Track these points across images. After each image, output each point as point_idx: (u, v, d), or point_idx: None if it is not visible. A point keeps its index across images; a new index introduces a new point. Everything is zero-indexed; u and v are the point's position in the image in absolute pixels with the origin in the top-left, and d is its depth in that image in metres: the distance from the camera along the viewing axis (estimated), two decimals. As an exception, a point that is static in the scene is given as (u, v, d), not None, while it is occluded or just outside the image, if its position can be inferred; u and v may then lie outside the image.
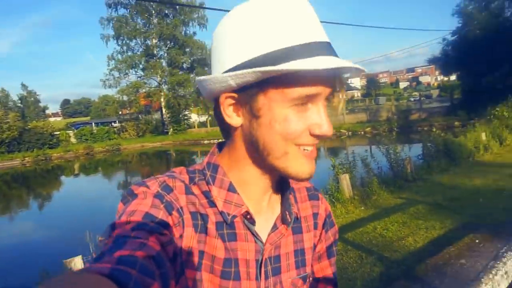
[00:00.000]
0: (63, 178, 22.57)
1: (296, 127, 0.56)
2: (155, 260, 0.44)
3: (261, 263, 0.64)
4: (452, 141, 9.89)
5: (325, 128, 0.57)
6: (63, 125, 47.03)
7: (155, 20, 37.42)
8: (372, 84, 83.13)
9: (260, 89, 0.55)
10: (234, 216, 0.62)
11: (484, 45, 20.41)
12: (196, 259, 0.58)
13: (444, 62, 24.48)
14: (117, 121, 44.72)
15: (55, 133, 34.31)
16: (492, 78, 19.98)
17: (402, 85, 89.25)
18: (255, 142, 0.59)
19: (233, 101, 0.59)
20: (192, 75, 38.16)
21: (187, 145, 31.42)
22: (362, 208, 6.33)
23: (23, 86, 76.11)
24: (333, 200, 6.58)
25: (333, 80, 0.57)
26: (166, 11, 37.84)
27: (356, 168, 7.92)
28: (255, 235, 0.64)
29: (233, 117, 0.60)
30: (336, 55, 0.56)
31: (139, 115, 42.50)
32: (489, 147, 10.29)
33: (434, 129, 11.29)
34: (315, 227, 0.75)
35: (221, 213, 0.62)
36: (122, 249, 0.44)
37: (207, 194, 0.62)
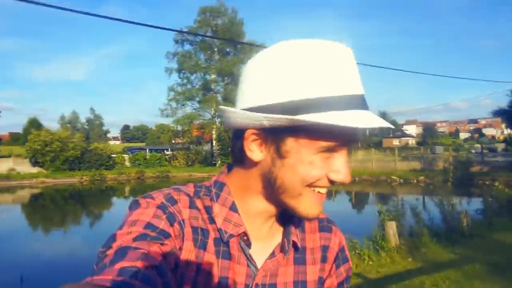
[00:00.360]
0: (114, 199, 23.69)
1: (319, 172, 0.57)
2: (157, 269, 0.44)
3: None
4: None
5: (344, 175, 0.58)
6: (121, 149, 49.94)
7: (216, 57, 39.61)
8: (429, 133, 79.97)
9: (291, 134, 0.56)
10: (231, 235, 0.62)
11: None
12: (192, 274, 0.58)
13: (510, 115, 23.21)
14: (169, 149, 46.66)
15: (112, 155, 36.39)
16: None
17: (463, 135, 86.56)
18: (273, 179, 0.59)
19: (259, 138, 0.59)
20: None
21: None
22: (410, 259, 5.90)
23: (91, 110, 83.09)
24: (378, 247, 6.23)
25: (361, 133, 0.58)
26: (228, 49, 40.04)
27: (404, 217, 7.49)
28: (248, 258, 0.63)
29: (256, 152, 0.59)
30: (367, 109, 0.57)
31: (191, 145, 44.07)
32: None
33: (496, 184, 10.57)
34: (324, 260, 0.72)
35: (219, 230, 0.62)
36: (123, 260, 0.44)
37: (208, 210, 0.63)
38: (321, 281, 0.71)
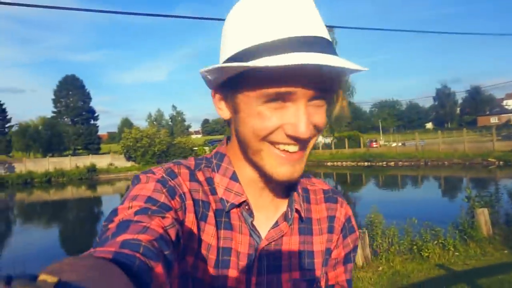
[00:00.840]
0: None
1: (268, 124, 0.55)
2: (158, 242, 0.44)
3: (255, 258, 0.63)
4: None
5: (300, 129, 0.54)
6: (202, 142, 52.82)
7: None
8: None
9: (238, 86, 0.56)
10: (232, 205, 0.62)
11: None
12: (195, 246, 0.59)
13: None
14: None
15: (194, 148, 38.85)
16: None
17: None
18: (238, 137, 0.61)
19: (222, 96, 0.62)
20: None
21: (311, 166, 31.48)
22: (505, 251, 5.15)
23: (173, 107, 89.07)
24: (465, 237, 5.59)
25: (315, 78, 0.52)
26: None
27: (500, 203, 6.59)
28: (251, 228, 0.63)
29: (224, 111, 0.62)
30: (325, 52, 0.51)
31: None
32: None
33: None
34: (330, 231, 0.72)
35: (220, 200, 0.63)
36: (125, 233, 0.44)
37: (210, 181, 0.64)
38: (328, 252, 0.71)
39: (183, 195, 0.59)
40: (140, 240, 0.42)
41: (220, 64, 0.53)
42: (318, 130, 0.59)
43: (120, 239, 0.42)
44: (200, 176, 0.64)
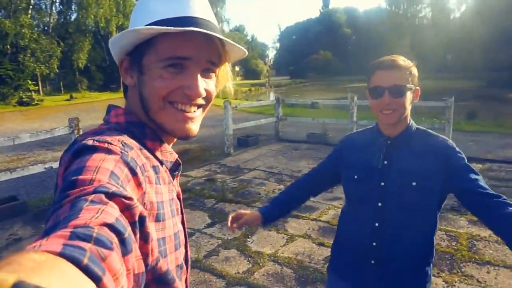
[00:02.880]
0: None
1: (168, 84, 0.65)
2: (113, 227, 0.42)
3: (180, 200, 0.74)
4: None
5: (196, 88, 0.65)
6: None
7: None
8: None
9: (144, 52, 0.66)
10: (172, 162, 0.71)
11: None
12: (156, 211, 0.61)
13: None
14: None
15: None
16: None
17: None
18: (141, 97, 0.68)
19: (128, 64, 0.69)
20: None
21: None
22: None
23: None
24: None
25: (206, 51, 0.65)
26: None
27: None
28: (173, 177, 0.73)
29: (128, 78, 0.70)
30: (212, 30, 0.64)
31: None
32: None
33: None
34: None
35: (161, 161, 0.69)
36: (77, 217, 0.41)
37: (145, 146, 0.67)
38: None
39: (142, 167, 0.59)
40: (93, 227, 0.40)
41: (139, 27, 0.62)
42: (209, 97, 0.70)
43: (71, 226, 0.40)
44: (140, 143, 0.66)
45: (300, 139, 9.22)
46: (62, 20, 28.91)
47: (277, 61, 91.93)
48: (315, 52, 68.98)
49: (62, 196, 0.47)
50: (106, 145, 0.56)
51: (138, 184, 0.56)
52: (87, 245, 0.37)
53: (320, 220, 4.19)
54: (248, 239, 3.77)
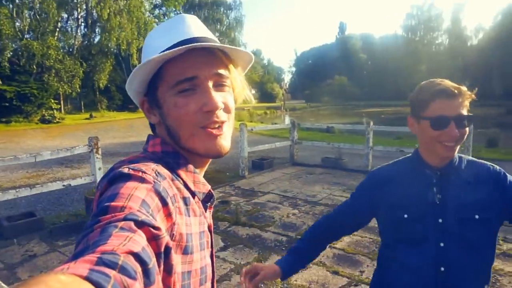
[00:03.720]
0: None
1: (187, 110, 0.65)
2: (139, 256, 0.42)
3: (210, 232, 0.73)
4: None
5: (211, 104, 0.64)
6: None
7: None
8: None
9: (155, 87, 0.68)
10: (204, 194, 0.70)
11: None
12: (185, 243, 0.60)
13: None
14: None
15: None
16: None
17: None
18: (167, 130, 0.69)
19: (148, 102, 0.71)
20: None
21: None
22: None
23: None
24: None
25: (211, 65, 0.66)
26: None
27: None
28: (205, 209, 0.72)
29: (152, 117, 0.71)
30: (209, 42, 0.65)
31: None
32: None
33: None
34: None
35: (193, 193, 0.68)
36: (106, 243, 0.42)
37: (178, 177, 0.67)
38: None
39: (173, 198, 0.59)
40: (119, 255, 0.41)
41: (138, 65, 0.64)
42: (228, 110, 0.69)
43: (99, 251, 0.41)
44: (174, 174, 0.66)
45: (315, 163, 9.17)
46: (86, 42, 30.05)
47: (293, 85, 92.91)
48: (331, 77, 69.50)
49: (94, 221, 0.48)
50: (140, 173, 0.57)
51: (168, 214, 0.56)
52: (112, 272, 0.38)
53: (335, 248, 4.09)
54: (261, 265, 3.70)
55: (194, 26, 0.69)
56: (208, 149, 0.68)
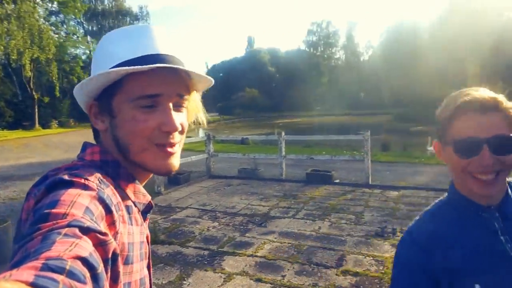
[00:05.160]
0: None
1: (145, 125, 0.64)
2: (86, 261, 0.41)
3: (148, 243, 0.72)
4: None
5: (172, 122, 0.64)
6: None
7: None
8: None
9: (111, 95, 0.65)
10: (144, 205, 0.69)
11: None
12: (126, 253, 0.59)
13: None
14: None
15: None
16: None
17: None
18: (116, 141, 0.66)
19: (97, 109, 0.68)
20: None
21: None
22: None
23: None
24: None
25: (175, 85, 0.66)
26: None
27: None
28: (143, 219, 0.71)
29: (99, 123, 0.69)
30: (175, 63, 0.65)
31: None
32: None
33: None
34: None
35: (134, 203, 0.67)
36: (50, 249, 0.40)
37: (119, 187, 0.65)
38: None
39: (118, 205, 0.58)
40: (66, 260, 0.38)
41: (109, 70, 0.61)
42: (183, 130, 0.70)
43: (44, 258, 0.38)
44: (115, 183, 0.65)
45: (232, 175, 9.28)
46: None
47: (205, 98, 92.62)
48: (242, 89, 71.25)
49: (32, 229, 0.44)
50: (82, 180, 0.55)
51: (112, 223, 0.54)
52: (59, 277, 0.36)
53: (256, 256, 4.19)
54: (184, 282, 3.62)
55: (160, 40, 0.68)
56: (159, 166, 0.67)
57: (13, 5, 24.97)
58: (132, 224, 0.63)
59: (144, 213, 0.71)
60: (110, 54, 0.67)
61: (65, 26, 36.77)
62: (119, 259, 0.52)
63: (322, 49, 79.02)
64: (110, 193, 0.58)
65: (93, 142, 0.72)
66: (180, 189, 7.85)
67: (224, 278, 3.68)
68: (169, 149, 0.67)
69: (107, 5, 46.86)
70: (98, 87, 0.65)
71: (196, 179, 8.78)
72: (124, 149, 0.66)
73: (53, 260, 0.38)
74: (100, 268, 0.43)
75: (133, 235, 0.62)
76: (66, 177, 0.55)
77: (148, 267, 0.72)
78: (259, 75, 75.53)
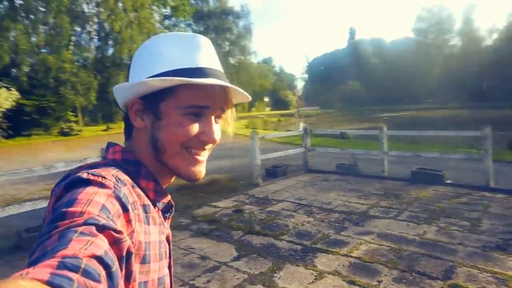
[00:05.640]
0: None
1: (188, 131, 0.67)
2: (102, 260, 0.41)
3: (169, 242, 0.73)
4: None
5: (211, 136, 0.69)
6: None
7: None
8: None
9: (160, 99, 0.67)
10: (164, 204, 0.70)
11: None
12: (143, 252, 0.59)
13: None
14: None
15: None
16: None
17: None
18: (155, 141, 0.68)
19: (141, 106, 0.69)
20: None
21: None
22: None
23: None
24: None
25: (220, 99, 0.69)
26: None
27: None
28: (165, 219, 0.72)
29: (138, 121, 0.70)
30: (221, 79, 0.68)
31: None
32: None
33: None
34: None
35: (152, 202, 0.67)
36: (66, 248, 0.41)
37: (137, 186, 0.66)
38: None
39: (133, 204, 0.59)
40: (81, 258, 0.39)
41: (169, 78, 0.64)
42: (216, 142, 0.72)
43: (60, 256, 0.39)
44: (134, 181, 0.65)
45: (329, 169, 9.04)
46: (100, 55, 30.74)
47: (306, 92, 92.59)
48: (343, 82, 69.18)
49: (50, 227, 0.46)
50: (100, 179, 0.56)
51: (128, 221, 0.55)
52: (75, 276, 0.37)
53: (351, 256, 3.98)
54: (275, 275, 3.62)
55: (210, 54, 0.72)
56: (189, 172, 0.70)
57: (135, 13, 28.39)
58: (149, 224, 0.64)
59: (165, 212, 0.72)
60: (164, 57, 0.68)
61: (177, 28, 40.41)
62: (134, 257, 0.53)
63: (433, 36, 71.70)
64: (126, 191, 0.59)
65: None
66: (277, 182, 7.95)
67: (315, 275, 3.58)
68: (200, 158, 0.70)
69: (212, 6, 49.95)
70: (152, 90, 0.67)
71: (293, 173, 8.79)
72: (161, 150, 0.68)
73: (69, 258, 0.39)
74: (115, 266, 0.44)
75: (150, 234, 0.63)
76: (84, 175, 0.56)
77: (169, 266, 0.72)
78: (361, 67, 72.37)
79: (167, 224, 0.74)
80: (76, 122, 26.06)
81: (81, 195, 0.51)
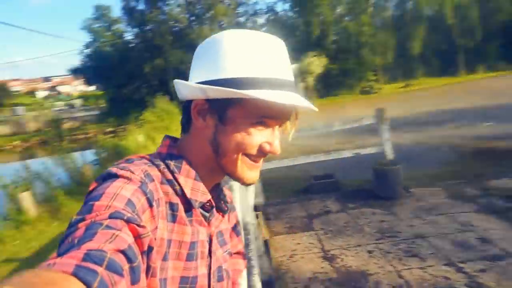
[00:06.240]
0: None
1: (253, 140, 0.66)
2: (125, 254, 0.43)
3: (210, 242, 0.72)
4: (119, 144, 11.59)
5: (274, 147, 0.68)
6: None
7: None
8: (3, 93, 52.53)
9: (232, 106, 0.64)
10: (201, 203, 0.68)
11: (116, 60, 28.33)
12: (164, 249, 0.60)
13: (85, 73, 32.15)
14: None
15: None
16: (129, 90, 28.30)
17: (41, 94, 69.50)
18: (216, 144, 0.67)
19: (205, 107, 0.66)
20: None
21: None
22: (56, 223, 6.09)
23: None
24: (19, 224, 6.17)
25: (289, 111, 0.67)
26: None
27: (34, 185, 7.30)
28: (206, 219, 0.71)
29: (201, 120, 0.67)
30: (295, 91, 0.66)
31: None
32: (147, 147, 11.04)
33: (90, 136, 11.45)
34: (237, 234, 0.89)
35: (188, 200, 0.67)
36: (92, 240, 0.42)
37: (173, 183, 0.66)
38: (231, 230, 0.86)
39: (158, 201, 0.60)
40: (106, 251, 0.41)
41: (248, 92, 0.60)
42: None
43: (85, 249, 0.40)
44: (168, 177, 0.66)
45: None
46: (399, 12, 30.00)
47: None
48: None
49: (78, 220, 0.48)
50: (128, 173, 0.58)
51: (153, 217, 0.56)
52: (99, 269, 0.38)
53: None
54: None
55: (285, 60, 0.68)
56: (246, 176, 0.70)
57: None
58: (175, 222, 0.64)
59: (206, 211, 0.71)
60: (234, 60, 0.63)
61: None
62: (156, 254, 0.54)
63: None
64: (153, 188, 0.60)
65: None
66: None
67: None
68: (258, 164, 0.70)
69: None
70: (221, 95, 0.63)
71: None
72: (222, 154, 0.67)
73: (93, 251, 0.41)
74: (138, 260, 0.45)
75: (174, 232, 0.63)
76: (114, 170, 0.58)
77: (209, 267, 0.71)
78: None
79: (217, 222, 0.75)
80: (376, 80, 27.16)
81: (109, 189, 0.53)
